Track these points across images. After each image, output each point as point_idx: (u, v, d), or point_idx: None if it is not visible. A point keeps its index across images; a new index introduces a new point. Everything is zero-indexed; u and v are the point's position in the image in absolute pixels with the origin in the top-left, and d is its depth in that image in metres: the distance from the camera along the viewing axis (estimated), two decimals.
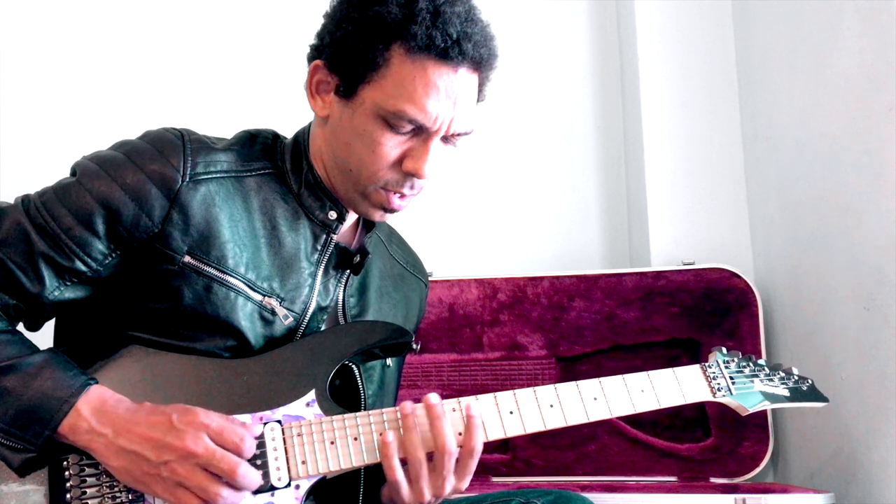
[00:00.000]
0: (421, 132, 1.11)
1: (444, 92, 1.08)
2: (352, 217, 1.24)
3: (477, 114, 1.15)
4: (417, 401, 1.12)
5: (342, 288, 1.23)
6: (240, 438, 1.00)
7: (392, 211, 1.17)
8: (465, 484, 1.10)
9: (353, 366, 1.22)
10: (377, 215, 1.19)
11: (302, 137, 1.23)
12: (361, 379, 1.23)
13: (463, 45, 1.07)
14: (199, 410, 1.01)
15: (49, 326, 1.16)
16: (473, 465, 1.10)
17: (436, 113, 1.08)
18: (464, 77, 1.10)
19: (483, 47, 1.11)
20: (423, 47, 1.06)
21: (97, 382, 1.03)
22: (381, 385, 1.29)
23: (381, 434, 1.08)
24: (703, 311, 1.96)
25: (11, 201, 1.11)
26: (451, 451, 1.07)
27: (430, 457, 1.09)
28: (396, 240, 1.42)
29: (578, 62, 2.36)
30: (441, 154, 1.14)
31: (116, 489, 1.02)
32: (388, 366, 1.30)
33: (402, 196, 1.16)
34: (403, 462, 1.08)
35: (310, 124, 1.24)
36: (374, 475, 1.21)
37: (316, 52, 1.16)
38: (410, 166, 1.11)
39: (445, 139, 1.13)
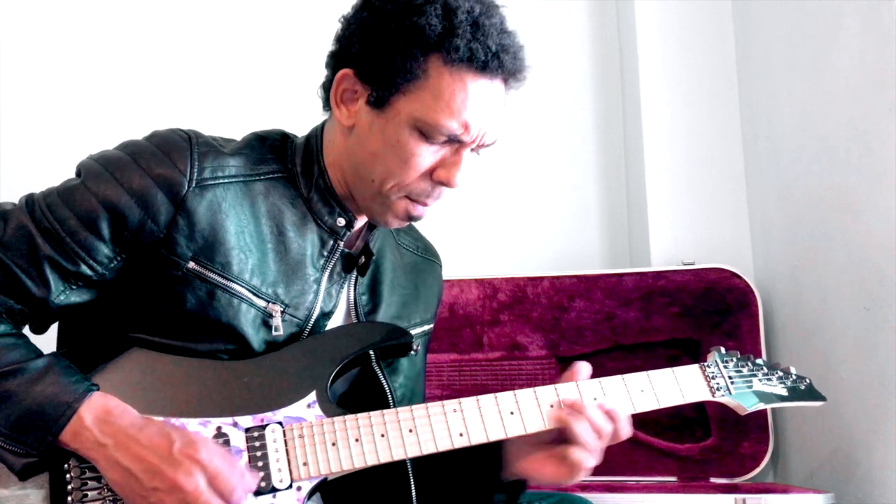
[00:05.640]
0: (454, 143, 1.11)
1: (482, 104, 1.09)
2: (360, 223, 1.23)
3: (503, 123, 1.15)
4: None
5: (351, 288, 1.22)
6: (231, 489, 0.98)
7: (414, 219, 1.17)
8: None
9: (374, 363, 1.21)
10: (395, 223, 1.18)
11: (314, 140, 1.21)
12: (384, 374, 1.22)
13: (501, 58, 1.08)
14: (203, 445, 0.99)
15: (53, 328, 1.15)
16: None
17: (473, 125, 1.09)
18: (498, 88, 1.11)
19: (518, 59, 1.11)
20: (465, 59, 1.06)
21: (98, 388, 1.03)
22: (410, 375, 1.28)
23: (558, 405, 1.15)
24: (703, 311, 1.96)
25: (15, 202, 1.10)
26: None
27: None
28: (404, 228, 1.39)
29: (578, 62, 2.36)
30: (470, 163, 1.14)
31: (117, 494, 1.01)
32: (414, 354, 1.28)
33: (426, 204, 1.16)
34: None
35: (323, 126, 1.22)
36: (424, 471, 1.20)
37: (342, 61, 1.14)
38: (443, 176, 1.11)
39: (473, 149, 1.14)
